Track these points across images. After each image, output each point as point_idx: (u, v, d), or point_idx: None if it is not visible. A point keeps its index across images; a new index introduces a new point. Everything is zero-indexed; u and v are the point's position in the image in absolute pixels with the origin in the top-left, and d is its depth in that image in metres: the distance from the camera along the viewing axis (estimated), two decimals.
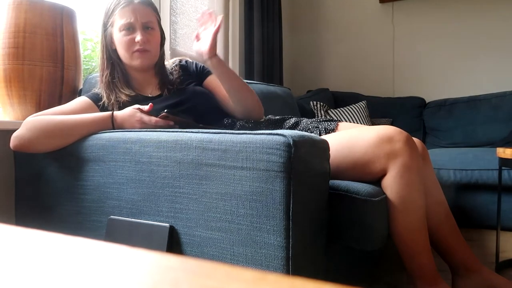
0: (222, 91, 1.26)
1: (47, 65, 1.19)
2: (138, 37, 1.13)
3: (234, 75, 1.19)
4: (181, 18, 2.18)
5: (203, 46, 1.12)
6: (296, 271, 0.75)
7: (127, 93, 1.16)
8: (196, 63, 1.35)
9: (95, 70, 1.74)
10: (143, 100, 1.17)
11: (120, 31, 1.14)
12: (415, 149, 0.96)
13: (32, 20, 1.17)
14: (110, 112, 1.06)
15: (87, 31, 1.75)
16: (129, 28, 1.14)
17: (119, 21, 1.14)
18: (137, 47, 1.14)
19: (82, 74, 1.33)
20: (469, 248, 1.10)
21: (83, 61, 1.37)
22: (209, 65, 1.15)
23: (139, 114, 1.03)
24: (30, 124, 1.00)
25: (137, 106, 1.06)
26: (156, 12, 1.22)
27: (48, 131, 1.00)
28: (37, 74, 1.18)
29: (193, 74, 1.32)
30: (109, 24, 1.16)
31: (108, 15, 1.15)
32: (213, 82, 1.29)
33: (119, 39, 1.14)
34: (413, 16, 2.97)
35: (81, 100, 1.15)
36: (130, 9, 1.13)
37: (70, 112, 1.08)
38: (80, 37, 1.34)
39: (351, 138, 1.00)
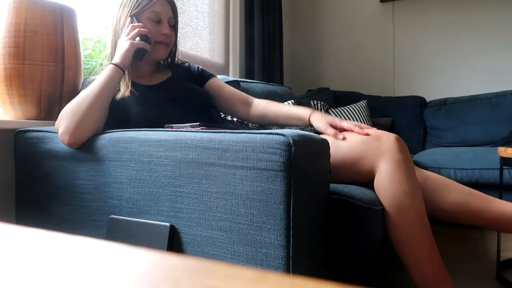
0: (225, 92, 1.32)
1: (48, 65, 1.19)
2: (165, 29, 1.18)
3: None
4: (181, 18, 2.18)
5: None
6: (297, 270, 0.75)
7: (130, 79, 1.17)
8: (197, 66, 1.38)
9: (95, 70, 1.73)
10: (140, 88, 1.18)
11: (148, 20, 1.17)
12: (404, 146, 0.96)
13: (32, 19, 1.17)
14: (110, 65, 1.07)
15: (87, 31, 1.75)
16: (156, 20, 1.18)
17: (149, 11, 1.16)
18: (161, 39, 1.19)
19: (82, 74, 1.33)
20: None
21: (84, 60, 1.37)
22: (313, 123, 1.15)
23: (129, 42, 1.09)
24: (61, 117, 1.01)
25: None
26: (177, 15, 1.27)
27: (76, 109, 1.00)
28: (38, 73, 1.18)
29: (194, 75, 1.34)
30: (136, 12, 1.16)
31: (139, 3, 1.16)
32: (215, 84, 1.34)
33: (145, 27, 1.16)
34: (413, 16, 2.97)
35: None
36: (161, 2, 1.18)
37: None
38: (80, 37, 1.34)
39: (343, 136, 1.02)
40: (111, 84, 1.04)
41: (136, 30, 1.10)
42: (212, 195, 0.81)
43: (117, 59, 1.07)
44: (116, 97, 1.13)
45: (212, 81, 1.34)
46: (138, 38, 1.11)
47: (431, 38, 2.91)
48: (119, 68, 1.06)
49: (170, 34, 1.21)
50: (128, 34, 1.11)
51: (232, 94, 1.32)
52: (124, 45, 1.09)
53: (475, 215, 1.07)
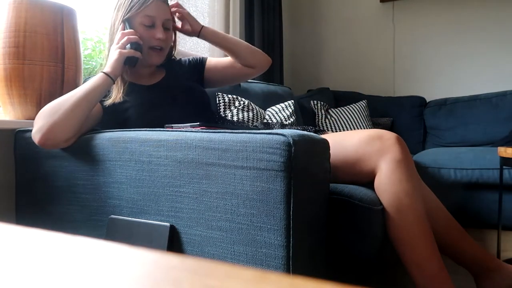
0: (222, 62, 1.34)
1: (48, 65, 1.19)
2: (159, 34, 1.14)
3: (226, 36, 1.30)
4: None
5: (187, 27, 1.25)
6: (297, 270, 0.75)
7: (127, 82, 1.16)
8: (187, 59, 1.37)
9: (95, 70, 1.73)
10: (139, 89, 1.17)
11: (140, 25, 1.13)
12: (405, 146, 0.97)
13: (32, 19, 1.17)
14: (101, 73, 1.04)
15: (87, 31, 1.74)
16: (149, 24, 1.14)
17: (141, 15, 1.13)
18: (155, 44, 1.15)
19: (82, 74, 1.33)
20: (481, 247, 1.07)
21: (84, 60, 1.37)
22: (204, 38, 1.26)
23: (118, 51, 1.07)
24: (39, 115, 1.00)
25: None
26: (175, 16, 1.25)
27: (55, 110, 0.97)
28: (38, 73, 1.18)
29: (190, 67, 1.33)
30: (129, 16, 1.13)
31: (131, 7, 1.13)
32: (212, 63, 1.35)
33: (138, 32, 1.13)
34: (413, 16, 2.97)
35: None
36: (154, 5, 1.14)
37: None
38: (80, 37, 1.34)
39: (343, 136, 1.02)
40: (97, 92, 1.02)
41: (125, 38, 1.07)
42: (212, 195, 0.81)
43: (107, 68, 1.05)
44: (105, 104, 1.11)
45: (208, 62, 1.35)
46: (128, 46, 1.08)
47: (431, 38, 2.91)
48: (109, 78, 1.04)
49: (165, 38, 1.16)
50: (117, 43, 1.08)
51: (229, 60, 1.33)
52: (113, 54, 1.06)
53: (454, 244, 1.08)
